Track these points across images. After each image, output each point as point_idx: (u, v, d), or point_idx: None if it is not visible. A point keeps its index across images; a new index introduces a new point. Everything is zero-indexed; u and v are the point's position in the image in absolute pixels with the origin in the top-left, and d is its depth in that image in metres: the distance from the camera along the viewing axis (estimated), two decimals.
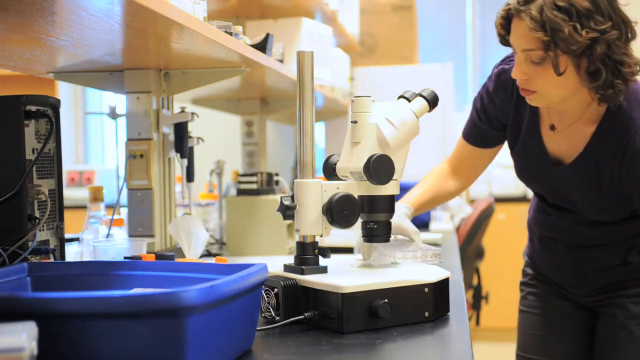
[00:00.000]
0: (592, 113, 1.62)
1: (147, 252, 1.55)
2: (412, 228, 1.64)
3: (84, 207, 1.93)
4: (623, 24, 1.52)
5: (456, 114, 4.54)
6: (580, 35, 1.46)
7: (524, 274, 2.02)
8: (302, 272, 1.30)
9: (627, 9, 1.55)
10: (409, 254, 1.48)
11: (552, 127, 1.67)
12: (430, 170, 1.96)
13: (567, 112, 1.64)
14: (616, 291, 1.77)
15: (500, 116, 1.77)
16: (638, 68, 1.55)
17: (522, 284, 2.01)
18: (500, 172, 4.79)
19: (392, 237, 1.44)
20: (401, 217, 1.66)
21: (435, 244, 2.42)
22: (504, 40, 1.64)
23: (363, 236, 1.41)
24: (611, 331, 1.78)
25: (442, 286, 1.34)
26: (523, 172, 1.80)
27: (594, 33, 1.46)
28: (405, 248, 1.53)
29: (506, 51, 1.73)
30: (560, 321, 1.90)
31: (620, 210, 1.67)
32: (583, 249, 1.78)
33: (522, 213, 4.48)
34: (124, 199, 1.93)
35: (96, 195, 1.89)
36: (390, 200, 1.39)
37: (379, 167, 1.32)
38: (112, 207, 1.92)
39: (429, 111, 1.46)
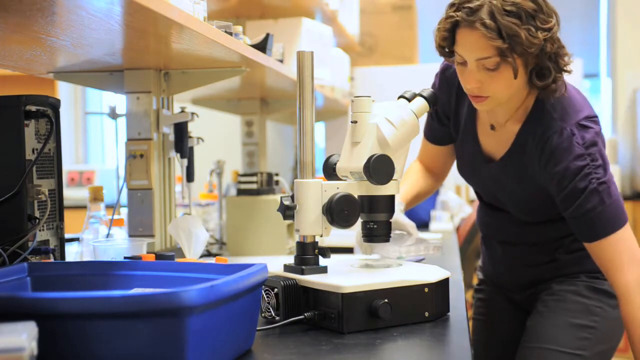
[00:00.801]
0: (520, 112, 1.65)
1: (147, 252, 1.55)
2: (409, 222, 1.67)
3: (84, 207, 1.93)
4: (556, 16, 1.54)
5: None
6: (536, 37, 1.47)
7: (477, 279, 2.08)
8: (302, 272, 1.30)
9: None
10: (412, 247, 1.50)
11: (493, 127, 1.69)
12: (407, 169, 1.98)
13: (501, 111, 1.65)
14: (544, 287, 1.80)
15: (447, 112, 1.81)
16: (570, 58, 1.58)
17: (473, 290, 2.07)
18: None
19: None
20: (397, 212, 1.68)
21: None
22: (445, 52, 1.63)
23: (363, 236, 1.41)
24: (534, 312, 1.81)
25: (442, 286, 1.34)
26: (462, 168, 1.84)
27: (546, 32, 1.48)
28: (405, 242, 1.55)
29: None
30: (502, 324, 1.95)
31: (545, 210, 1.70)
32: (513, 246, 1.83)
33: None
34: (124, 199, 1.93)
35: (96, 195, 1.89)
36: (390, 200, 1.39)
37: (379, 167, 1.32)
38: (112, 207, 1.92)
39: (429, 111, 1.46)
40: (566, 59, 1.56)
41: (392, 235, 1.43)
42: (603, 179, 1.54)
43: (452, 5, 1.56)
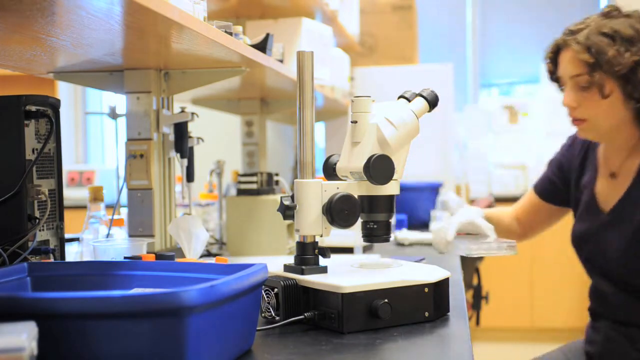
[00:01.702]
0: (637, 156, 1.61)
1: (147, 252, 1.55)
2: (487, 225, 1.70)
3: (84, 207, 1.93)
4: None
5: (456, 114, 4.55)
6: (623, 57, 1.49)
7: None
8: (302, 272, 1.30)
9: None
10: (483, 245, 1.52)
11: (612, 175, 1.67)
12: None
13: (613, 152, 1.64)
14: None
15: (568, 177, 1.82)
16: None
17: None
18: (501, 172, 4.79)
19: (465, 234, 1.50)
20: (477, 215, 1.72)
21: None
22: (553, 76, 1.68)
23: (363, 236, 1.41)
24: None
25: (442, 286, 1.34)
26: (574, 230, 1.79)
27: (637, 57, 1.50)
28: (480, 241, 1.57)
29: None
30: None
31: None
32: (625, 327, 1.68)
33: None
34: (124, 199, 1.93)
35: (96, 195, 1.89)
36: (390, 200, 1.39)
37: (379, 167, 1.32)
38: (112, 207, 1.92)
39: (429, 111, 1.46)
40: None
41: (468, 235, 1.48)
42: None
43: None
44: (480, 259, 3.46)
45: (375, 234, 1.39)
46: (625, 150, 1.62)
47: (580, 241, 1.77)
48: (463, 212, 1.71)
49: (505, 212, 1.97)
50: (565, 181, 1.83)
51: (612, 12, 1.61)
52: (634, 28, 1.54)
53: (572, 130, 1.74)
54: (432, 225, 1.42)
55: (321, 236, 1.33)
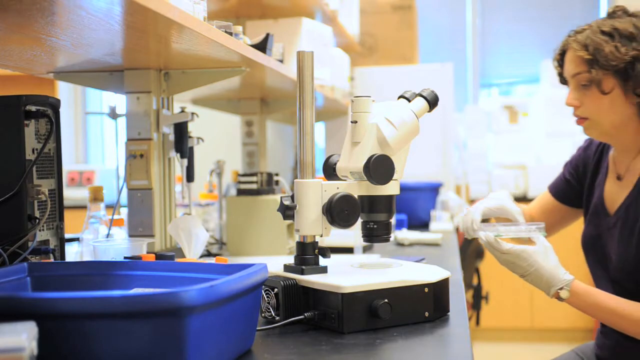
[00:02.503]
0: None
1: (147, 252, 1.55)
2: (516, 208, 1.63)
3: (84, 207, 1.93)
4: None
5: (456, 114, 4.54)
6: (620, 52, 1.50)
7: None
8: (302, 272, 1.30)
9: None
10: (512, 227, 1.49)
11: (619, 177, 1.67)
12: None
13: (622, 154, 1.64)
14: None
15: (582, 179, 1.81)
16: None
17: None
18: (500, 172, 4.79)
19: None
20: (505, 198, 1.67)
21: (435, 244, 2.42)
22: (562, 79, 1.70)
23: (363, 236, 1.41)
24: None
25: (442, 286, 1.34)
26: (584, 234, 1.78)
27: (635, 52, 1.50)
28: (508, 225, 1.54)
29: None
30: None
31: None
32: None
33: None
34: (124, 199, 1.93)
35: (96, 195, 1.89)
36: (390, 200, 1.39)
37: (379, 167, 1.32)
38: (112, 207, 1.92)
39: (429, 111, 1.46)
40: None
41: (497, 223, 1.47)
42: None
43: None
44: (481, 258, 3.46)
45: (375, 234, 1.39)
46: (633, 151, 1.62)
47: (588, 245, 1.77)
48: (492, 195, 1.68)
49: (520, 208, 1.97)
50: (580, 183, 1.83)
51: (616, 12, 1.62)
52: (635, 26, 1.55)
53: (573, 130, 1.74)
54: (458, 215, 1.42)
55: (321, 236, 1.33)
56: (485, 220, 1.60)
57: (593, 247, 1.74)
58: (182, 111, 1.97)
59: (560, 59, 1.69)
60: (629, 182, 1.63)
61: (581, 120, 1.62)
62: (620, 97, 1.54)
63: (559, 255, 1.52)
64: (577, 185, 1.84)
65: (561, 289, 1.47)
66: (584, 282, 1.54)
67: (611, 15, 1.63)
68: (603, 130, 1.60)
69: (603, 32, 1.56)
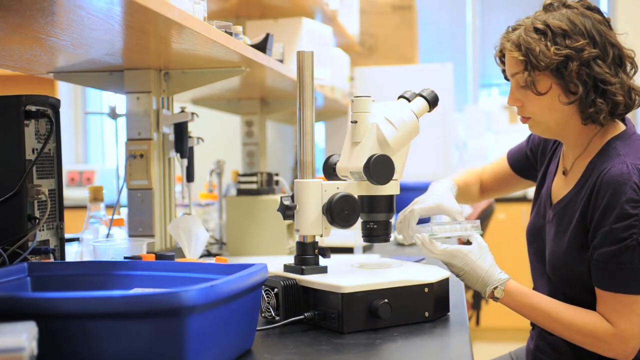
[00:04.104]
0: (587, 155, 1.59)
1: (147, 252, 1.55)
2: (456, 208, 1.53)
3: (84, 207, 1.93)
4: (610, 47, 1.53)
5: (456, 114, 4.54)
6: (550, 52, 1.48)
7: None
8: (302, 272, 1.30)
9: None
10: (446, 226, 1.45)
11: (564, 172, 1.66)
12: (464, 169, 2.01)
13: (568, 151, 1.63)
14: None
15: (540, 160, 1.81)
16: (633, 95, 1.53)
17: None
18: None
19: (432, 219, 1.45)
20: (445, 194, 1.58)
21: None
22: (505, 76, 1.68)
23: (363, 236, 1.41)
24: None
25: (442, 286, 1.34)
26: (529, 224, 1.76)
27: (567, 50, 1.48)
28: (443, 222, 1.48)
29: None
30: None
31: (569, 270, 1.56)
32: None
33: (522, 213, 4.48)
34: (124, 199, 1.93)
35: (96, 195, 1.89)
36: (390, 200, 1.39)
37: (379, 167, 1.32)
38: (112, 207, 1.92)
39: (429, 111, 1.46)
40: (617, 88, 1.50)
41: (434, 221, 1.43)
42: None
43: None
44: None
45: (375, 234, 1.39)
46: (578, 148, 1.61)
47: (531, 236, 1.75)
48: (433, 188, 1.61)
49: (473, 174, 1.93)
50: (536, 162, 1.82)
51: (553, 4, 1.58)
52: (570, 20, 1.51)
53: None
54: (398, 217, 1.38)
55: (321, 236, 1.33)
56: (423, 221, 1.52)
57: (535, 238, 1.73)
58: (182, 111, 1.97)
59: (502, 56, 1.65)
60: (571, 180, 1.62)
61: (524, 119, 1.60)
62: (560, 95, 1.52)
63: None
64: (535, 164, 1.83)
65: (496, 288, 1.45)
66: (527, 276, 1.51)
67: (547, 8, 1.58)
68: (548, 128, 1.59)
69: (536, 30, 1.51)
